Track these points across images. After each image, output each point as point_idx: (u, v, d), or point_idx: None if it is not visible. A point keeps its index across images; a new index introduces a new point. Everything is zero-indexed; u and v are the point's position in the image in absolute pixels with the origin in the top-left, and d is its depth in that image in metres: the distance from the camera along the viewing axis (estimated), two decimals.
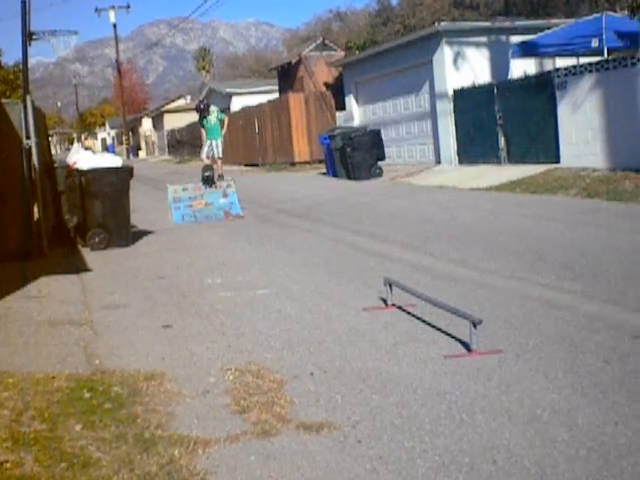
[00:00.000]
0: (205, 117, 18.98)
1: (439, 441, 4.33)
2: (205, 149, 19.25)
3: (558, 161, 18.74)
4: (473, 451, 4.17)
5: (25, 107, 12.23)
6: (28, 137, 12.13)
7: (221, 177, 18.24)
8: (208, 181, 17.44)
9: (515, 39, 22.85)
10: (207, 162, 18.40)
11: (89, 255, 12.34)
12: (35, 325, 7.56)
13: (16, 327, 7.46)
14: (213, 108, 19.44)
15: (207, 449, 4.39)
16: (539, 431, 4.37)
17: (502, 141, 21.30)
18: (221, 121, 19.37)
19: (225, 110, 46.28)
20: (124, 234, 13.18)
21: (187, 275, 10.10)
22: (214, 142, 19.08)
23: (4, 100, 13.05)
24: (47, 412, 4.97)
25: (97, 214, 12.88)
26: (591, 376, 5.18)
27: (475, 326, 5.78)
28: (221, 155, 19.29)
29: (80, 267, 11.16)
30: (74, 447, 4.40)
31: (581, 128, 18.02)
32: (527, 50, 21.50)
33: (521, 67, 22.02)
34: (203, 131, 19.52)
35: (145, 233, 14.48)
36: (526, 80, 20.49)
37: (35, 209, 12.50)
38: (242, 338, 6.78)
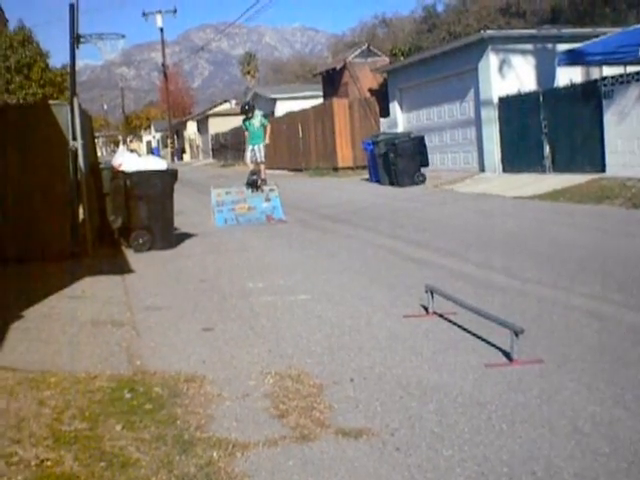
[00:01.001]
0: (249, 119, 18.86)
1: (478, 450, 4.30)
2: (248, 154, 19.21)
3: (603, 170, 18.55)
4: (512, 461, 4.14)
5: (72, 109, 12.38)
6: (74, 139, 12.28)
7: (264, 182, 17.97)
8: (253, 185, 17.43)
9: (561, 47, 22.64)
10: (252, 167, 18.37)
11: (132, 256, 12.44)
12: (78, 325, 7.64)
13: (59, 326, 7.54)
14: (257, 112, 19.32)
15: (245, 452, 4.40)
16: (580, 443, 4.33)
17: (547, 149, 21.13)
18: (264, 127, 19.10)
19: (269, 115, 46.48)
20: (167, 236, 13.28)
21: (228, 278, 10.14)
22: (256, 147, 18.94)
23: (51, 102, 13.22)
24: (88, 411, 5.02)
25: (141, 216, 12.99)
26: (634, 388, 5.11)
27: (517, 335, 5.73)
28: (264, 159, 19.05)
29: (123, 268, 11.26)
30: (114, 447, 4.44)
31: (627, 137, 17.82)
32: (573, 58, 21.27)
33: (567, 75, 21.81)
34: (246, 133, 19.46)
35: (188, 236, 14.57)
36: (572, 88, 20.33)
37: (80, 210, 12.64)
38: (282, 342, 6.79)
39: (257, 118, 18.89)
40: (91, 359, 6.39)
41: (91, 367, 6.11)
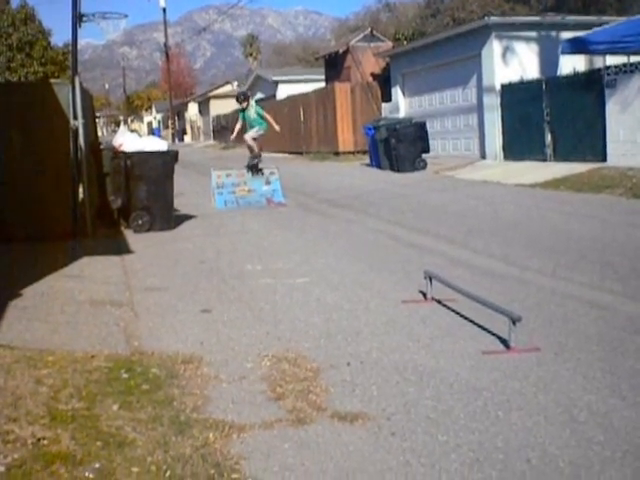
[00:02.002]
0: (244, 110, 17.74)
1: (474, 437, 4.32)
2: (250, 133, 17.74)
3: (605, 160, 18.53)
4: (507, 448, 4.16)
5: (73, 88, 12.34)
6: (75, 118, 12.24)
7: (255, 160, 17.45)
8: (254, 168, 17.18)
9: (565, 35, 22.58)
10: (251, 143, 17.53)
11: (132, 237, 12.45)
12: (76, 304, 7.65)
13: (57, 306, 7.55)
14: (252, 102, 18.18)
15: (241, 434, 4.42)
16: (575, 431, 4.34)
17: (548, 138, 21.10)
18: (260, 115, 17.65)
19: (270, 98, 46.39)
20: (167, 217, 13.28)
21: (227, 260, 10.15)
22: (255, 128, 17.68)
23: (53, 81, 13.21)
24: (85, 391, 5.03)
25: (141, 197, 12.99)
26: (630, 378, 5.13)
27: (514, 323, 5.74)
28: (254, 135, 17.63)
29: (122, 249, 11.27)
30: (110, 426, 4.45)
31: (629, 127, 17.80)
32: (577, 47, 21.22)
33: (570, 63, 21.75)
34: (239, 123, 18.29)
35: (187, 217, 14.57)
36: (575, 77, 20.28)
37: (80, 190, 12.63)
38: (280, 325, 6.81)
39: (252, 109, 17.76)
40: (89, 339, 6.40)
41: (89, 347, 6.12)
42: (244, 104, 17.55)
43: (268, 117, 17.59)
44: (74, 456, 4.04)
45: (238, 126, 18.13)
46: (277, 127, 17.90)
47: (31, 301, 7.70)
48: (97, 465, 3.96)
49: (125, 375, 5.37)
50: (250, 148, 17.65)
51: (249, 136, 17.51)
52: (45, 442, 4.19)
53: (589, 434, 4.30)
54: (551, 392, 4.95)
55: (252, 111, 17.53)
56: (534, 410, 4.67)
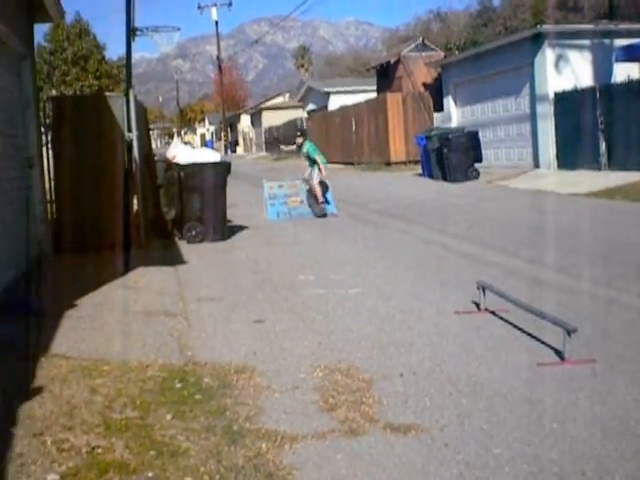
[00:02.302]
0: (299, 145, 17.35)
1: (528, 449, 4.27)
2: (306, 174, 16.99)
3: None
4: (562, 461, 4.10)
5: (128, 101, 12.52)
6: (130, 130, 12.40)
7: (322, 205, 16.49)
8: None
9: (619, 43, 22.36)
10: (317, 189, 16.29)
11: (185, 248, 12.55)
12: (131, 315, 7.73)
13: (112, 316, 7.64)
14: (307, 143, 17.16)
15: (294, 445, 4.42)
16: (631, 444, 4.27)
17: (603, 146, 20.85)
18: (310, 157, 16.84)
19: (322, 109, 46.44)
20: (220, 228, 13.36)
21: (280, 271, 10.18)
22: (310, 169, 16.74)
23: (107, 94, 13.40)
24: (139, 400, 5.08)
25: (194, 208, 13.09)
26: None
27: (569, 334, 5.67)
28: (316, 182, 16.46)
29: (176, 259, 11.36)
30: (164, 436, 4.49)
31: None
32: (631, 54, 21.00)
33: (624, 71, 21.52)
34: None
35: (240, 228, 14.65)
36: (629, 84, 20.03)
37: (134, 201, 12.78)
38: (333, 336, 6.80)
39: (305, 147, 16.98)
40: (143, 348, 6.46)
41: (143, 356, 6.18)
42: (299, 140, 17.49)
43: (318, 159, 16.60)
44: (128, 465, 4.08)
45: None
46: (324, 171, 16.70)
47: (86, 311, 7.80)
48: (150, 474, 4.00)
49: (178, 385, 5.41)
50: (315, 196, 16.52)
51: (315, 182, 16.45)
52: (99, 451, 4.24)
53: None
54: (607, 404, 4.88)
55: (305, 149, 16.94)
56: (589, 422, 4.60)
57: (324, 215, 16.16)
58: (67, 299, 8.18)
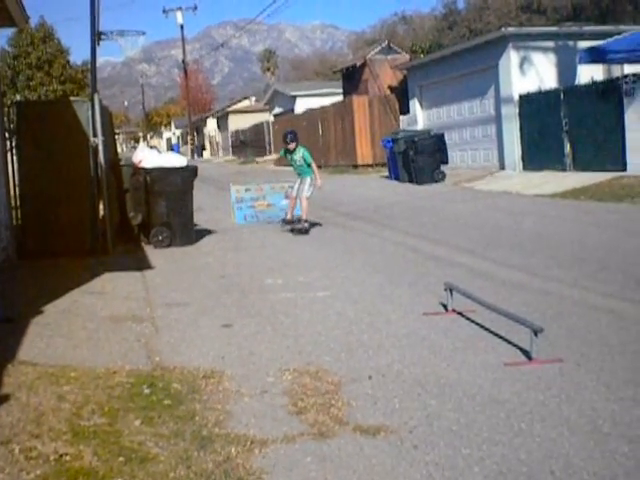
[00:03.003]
0: (290, 152, 15.01)
1: (497, 449, 4.29)
2: (295, 186, 15.16)
3: (625, 169, 18.44)
4: (531, 460, 4.13)
5: (93, 106, 12.43)
6: (95, 135, 12.32)
7: (304, 222, 14.47)
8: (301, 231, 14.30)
9: (583, 45, 22.52)
10: (305, 205, 14.55)
11: (152, 253, 12.49)
12: (98, 320, 7.67)
13: (79, 322, 7.58)
14: (301, 147, 15.11)
15: (263, 449, 4.41)
16: (599, 442, 4.31)
17: (567, 147, 21.03)
18: (307, 164, 14.82)
19: (288, 112, 46.37)
20: (187, 233, 13.32)
21: (248, 275, 10.16)
22: (302, 179, 14.87)
23: (72, 99, 13.30)
24: (107, 406, 5.05)
25: (161, 212, 13.03)
26: None
27: (536, 334, 5.71)
28: (308, 194, 14.74)
29: (143, 264, 11.31)
30: (133, 442, 4.46)
31: None
32: (595, 56, 21.16)
33: (588, 73, 21.69)
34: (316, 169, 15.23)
35: (208, 232, 14.61)
36: (593, 86, 20.21)
37: (100, 206, 12.70)
38: (301, 339, 6.80)
39: (298, 153, 14.94)
40: (111, 355, 6.42)
41: (111, 362, 6.13)
42: (291, 145, 14.94)
43: (315, 167, 14.88)
44: (96, 472, 4.05)
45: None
46: (320, 182, 14.90)
47: (53, 318, 7.73)
48: None
49: (147, 391, 5.38)
50: (304, 210, 14.66)
51: (305, 197, 14.68)
52: (67, 458, 4.20)
53: (613, 445, 4.26)
54: (574, 403, 4.91)
55: (298, 156, 14.89)
56: (557, 421, 4.64)
57: (307, 232, 14.14)
58: (33, 305, 8.10)
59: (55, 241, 11.87)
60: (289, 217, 14.98)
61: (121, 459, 4.21)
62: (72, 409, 4.98)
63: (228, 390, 5.45)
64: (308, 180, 14.70)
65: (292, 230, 14.42)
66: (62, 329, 7.31)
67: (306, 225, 14.24)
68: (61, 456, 4.21)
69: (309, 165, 14.76)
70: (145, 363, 6.20)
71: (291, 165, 15.32)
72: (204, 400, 5.22)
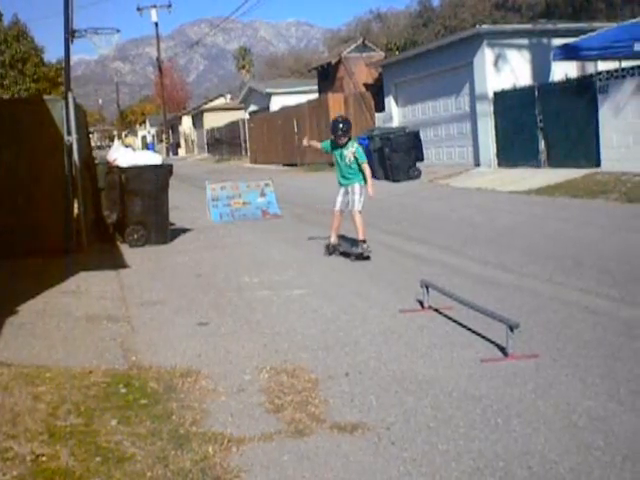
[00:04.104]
0: (338, 146, 11.26)
1: (474, 445, 4.31)
2: (339, 198, 11.37)
3: (599, 165, 18.56)
4: (508, 456, 4.15)
5: (66, 104, 12.36)
6: (69, 134, 12.25)
7: (362, 243, 10.83)
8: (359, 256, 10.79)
9: (557, 42, 22.63)
10: (335, 219, 11.27)
11: (127, 251, 12.43)
12: (73, 320, 7.63)
13: (54, 322, 7.53)
14: (354, 141, 11.47)
15: (241, 447, 4.40)
16: (575, 437, 4.34)
17: (542, 144, 21.14)
18: (357, 162, 11.10)
19: (264, 110, 46.23)
20: (162, 231, 13.26)
21: (224, 273, 10.14)
22: (350, 187, 11.18)
23: (46, 97, 13.20)
24: (83, 406, 5.02)
25: (136, 211, 12.97)
26: (628, 383, 5.12)
27: (512, 330, 5.74)
28: (360, 207, 11.05)
29: (118, 263, 11.25)
30: (109, 442, 4.44)
31: (622, 132, 17.83)
32: (569, 53, 21.29)
33: (562, 70, 21.84)
34: (320, 145, 12.48)
35: (183, 231, 14.56)
36: (567, 83, 20.34)
37: (75, 205, 12.62)
38: (278, 337, 6.79)
39: (350, 147, 11.18)
40: (86, 354, 6.39)
41: (86, 362, 6.10)
42: (342, 140, 11.19)
43: (368, 169, 11.20)
44: (73, 472, 4.03)
45: (317, 144, 12.68)
46: (372, 190, 11.11)
47: (27, 318, 7.68)
48: None
49: (123, 390, 5.35)
50: (359, 227, 10.97)
51: (357, 211, 11.06)
52: (44, 459, 4.18)
53: (589, 439, 4.29)
54: (550, 398, 4.94)
55: (349, 152, 11.17)
56: (533, 417, 4.66)
57: (368, 257, 10.67)
58: (7, 305, 8.04)
59: (29, 240, 11.78)
60: (334, 240, 11.31)
61: (98, 459, 4.19)
62: (48, 409, 4.95)
63: (205, 389, 5.44)
64: (357, 188, 11.08)
65: (347, 254, 10.98)
66: (37, 329, 7.26)
67: (365, 246, 10.73)
68: (37, 457, 4.19)
69: (360, 166, 11.16)
70: (121, 362, 6.17)
71: (335, 164, 11.60)
72: (181, 399, 5.20)
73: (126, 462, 4.17)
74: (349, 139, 11.24)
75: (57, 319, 7.65)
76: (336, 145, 11.26)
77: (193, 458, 4.21)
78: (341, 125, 11.20)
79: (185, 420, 4.80)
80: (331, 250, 11.22)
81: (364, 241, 10.72)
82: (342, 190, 11.34)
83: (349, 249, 11.08)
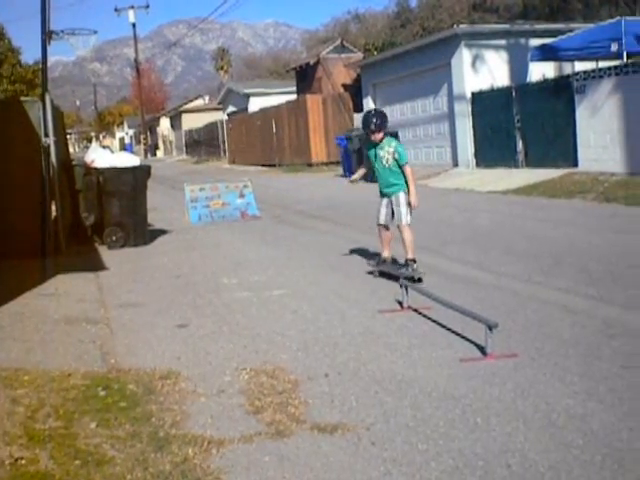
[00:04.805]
0: (373, 145, 9.39)
1: (453, 444, 4.32)
2: (382, 210, 9.51)
3: (576, 165, 18.67)
4: (487, 455, 4.16)
5: (44, 106, 12.28)
6: (46, 135, 12.18)
7: (412, 263, 9.02)
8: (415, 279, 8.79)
9: (534, 42, 22.79)
10: (382, 234, 9.45)
11: (106, 253, 12.38)
12: (51, 323, 7.59)
13: (32, 324, 7.49)
14: (392, 140, 9.49)
15: (221, 449, 4.39)
16: (554, 436, 4.36)
17: (520, 144, 21.24)
18: (398, 163, 9.21)
19: (242, 111, 46.16)
20: (141, 233, 13.22)
21: (203, 274, 10.12)
22: (393, 197, 9.32)
23: (23, 99, 13.12)
24: (62, 409, 4.99)
25: (114, 213, 12.92)
26: (607, 381, 5.15)
27: (491, 330, 5.76)
28: (409, 219, 9.21)
29: (97, 265, 11.20)
30: (89, 445, 4.42)
31: (599, 132, 17.94)
32: (546, 53, 21.44)
33: (540, 70, 21.97)
34: (364, 166, 10.38)
35: (162, 232, 14.52)
36: (545, 83, 20.45)
37: (53, 207, 12.56)
38: (257, 338, 6.78)
39: (387, 147, 9.25)
40: (65, 357, 6.35)
41: (65, 365, 6.07)
42: (377, 135, 9.26)
43: (411, 173, 9.33)
44: (52, 475, 4.00)
45: (361, 172, 10.41)
46: (415, 200, 9.19)
47: (5, 320, 7.63)
48: None
49: (102, 393, 5.33)
50: (408, 245, 9.15)
51: (405, 224, 9.19)
52: (23, 462, 4.15)
53: (568, 438, 4.31)
54: (529, 397, 4.96)
55: (385, 152, 9.26)
56: (513, 416, 4.68)
57: (420, 279, 8.78)
58: None
59: (6, 242, 11.69)
60: (387, 254, 9.52)
61: (77, 462, 4.16)
62: (27, 412, 4.92)
63: (184, 391, 5.42)
64: (402, 197, 9.23)
65: (391, 276, 9.02)
66: (15, 332, 7.21)
67: (415, 266, 8.98)
68: (16, 460, 4.16)
69: (401, 168, 9.25)
70: (100, 365, 6.14)
71: (372, 169, 9.69)
72: (160, 401, 5.18)
73: (105, 465, 4.15)
74: (385, 136, 9.33)
75: (35, 321, 7.60)
76: (371, 143, 9.39)
77: (173, 460, 4.20)
78: (374, 119, 9.24)
79: (165, 422, 4.78)
80: (379, 268, 9.39)
81: (414, 260, 9.01)
82: (384, 201, 9.45)
83: (395, 271, 9.07)
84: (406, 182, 9.21)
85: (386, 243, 9.53)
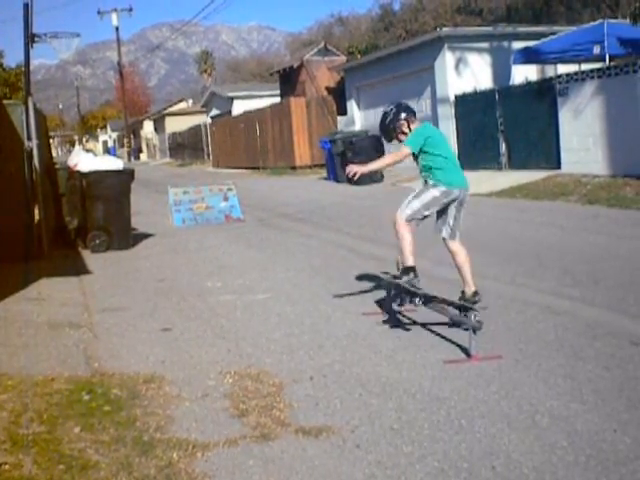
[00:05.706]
0: (395, 134, 7.90)
1: (438, 446, 4.33)
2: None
3: (559, 167, 18.74)
4: (472, 457, 4.17)
5: (27, 109, 12.24)
6: (29, 139, 12.13)
7: (475, 295, 7.19)
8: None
9: (517, 45, 22.91)
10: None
11: (89, 257, 12.33)
12: (35, 327, 7.55)
13: (15, 329, 7.45)
14: (429, 128, 7.88)
15: (206, 452, 4.38)
16: (538, 437, 4.37)
17: (503, 147, 21.31)
18: (423, 150, 7.54)
19: (226, 114, 46.14)
20: (125, 237, 13.18)
21: (187, 278, 10.10)
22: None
23: (5, 102, 13.05)
24: (46, 414, 4.97)
25: (98, 216, 12.88)
26: (590, 382, 5.17)
27: (475, 332, 5.78)
28: (456, 236, 8.03)
29: (80, 269, 11.16)
30: (73, 449, 4.40)
31: (582, 134, 18.02)
32: (529, 56, 21.53)
33: (523, 73, 22.06)
34: (390, 155, 8.78)
35: (146, 236, 14.48)
36: (528, 86, 20.52)
37: (36, 211, 12.50)
38: (242, 342, 6.78)
39: (424, 135, 7.62)
40: (48, 361, 6.32)
41: (48, 369, 6.04)
42: (403, 124, 7.76)
43: (392, 154, 8.49)
44: None
45: (388, 160, 8.46)
46: (357, 169, 7.78)
47: None
48: None
49: (86, 397, 5.31)
50: (463, 278, 7.59)
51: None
52: (6, 467, 4.13)
53: (552, 439, 4.32)
54: (513, 399, 4.98)
55: (423, 139, 7.56)
56: (497, 417, 4.69)
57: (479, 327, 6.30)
58: None
59: None
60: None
61: (61, 467, 4.15)
62: (10, 417, 4.90)
63: (169, 394, 5.41)
64: (420, 187, 8.04)
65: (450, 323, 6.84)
66: None
67: (477, 304, 6.91)
68: (0, 465, 4.14)
69: (431, 156, 7.62)
70: (84, 369, 6.12)
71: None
72: (144, 405, 5.17)
73: (90, 470, 4.13)
74: (409, 127, 7.72)
75: (18, 326, 7.57)
76: (393, 131, 7.92)
77: (158, 464, 4.19)
78: (392, 110, 7.97)
79: (149, 426, 4.77)
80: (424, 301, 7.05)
81: (477, 293, 7.28)
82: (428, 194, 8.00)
83: (464, 319, 6.44)
84: (438, 173, 7.69)
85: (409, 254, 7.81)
